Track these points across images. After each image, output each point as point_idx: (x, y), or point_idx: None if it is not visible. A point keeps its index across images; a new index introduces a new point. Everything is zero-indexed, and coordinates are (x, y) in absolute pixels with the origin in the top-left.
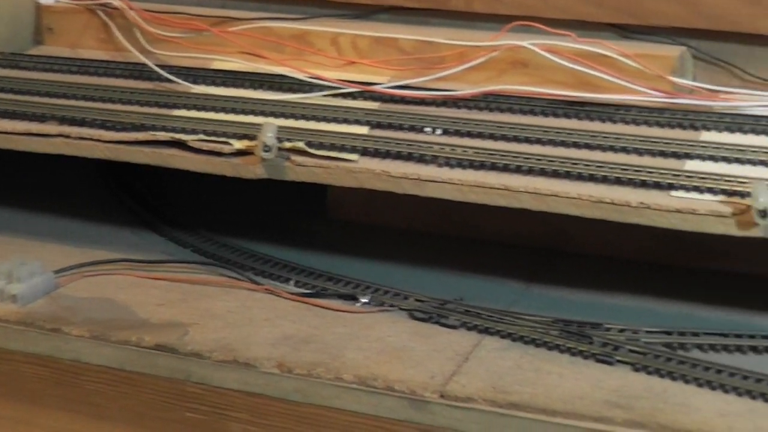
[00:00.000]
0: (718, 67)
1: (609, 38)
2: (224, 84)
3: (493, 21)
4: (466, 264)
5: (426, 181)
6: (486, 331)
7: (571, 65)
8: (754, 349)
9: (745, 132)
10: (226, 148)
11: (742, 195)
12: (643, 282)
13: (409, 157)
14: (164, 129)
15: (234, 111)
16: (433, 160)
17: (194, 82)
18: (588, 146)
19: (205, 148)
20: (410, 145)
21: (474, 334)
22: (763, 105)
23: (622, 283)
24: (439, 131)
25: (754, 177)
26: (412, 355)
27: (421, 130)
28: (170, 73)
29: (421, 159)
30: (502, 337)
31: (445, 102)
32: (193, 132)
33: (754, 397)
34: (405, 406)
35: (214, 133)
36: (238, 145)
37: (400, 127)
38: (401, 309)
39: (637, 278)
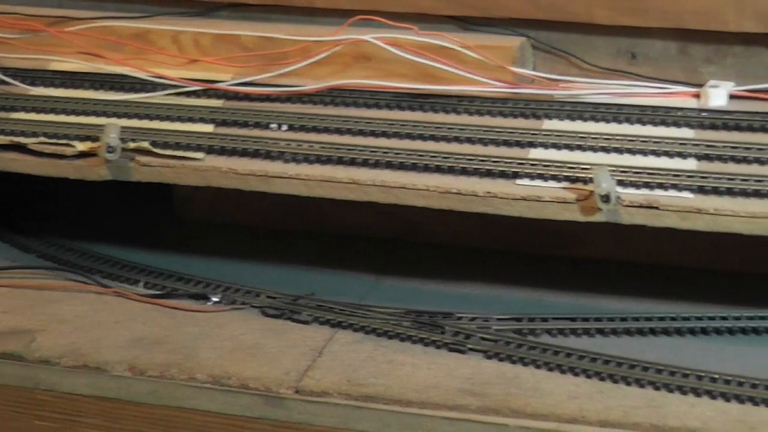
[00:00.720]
0: (557, 57)
1: (450, 30)
2: (63, 85)
3: (335, 16)
4: (317, 259)
5: (273, 177)
6: (339, 325)
7: (413, 58)
8: (601, 332)
9: (585, 119)
10: (68, 151)
11: (585, 181)
12: (493, 270)
13: (255, 154)
14: (3, 132)
15: (75, 112)
16: (280, 156)
17: (32, 84)
18: (433, 138)
19: (46, 151)
20: (256, 141)
21: (327, 329)
22: (601, 93)
23: (473, 272)
24: (284, 127)
25: (596, 163)
26: (266, 352)
27: (266, 127)
28: (6, 75)
29: (268, 155)
30: (355, 330)
31: (289, 98)
32: (33, 135)
33: (602, 379)
34: (260, 403)
35: (55, 136)
36: (80, 147)
37: (246, 124)
38: (253, 306)
39: (487, 267)
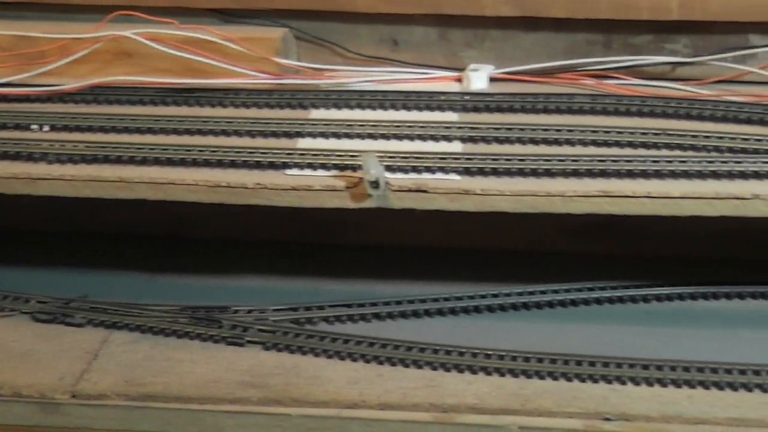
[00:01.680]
0: (320, 47)
1: (212, 24)
2: None
3: (93, 12)
4: (89, 260)
5: (37, 179)
6: (114, 325)
7: (175, 53)
8: (377, 316)
9: (351, 107)
10: None
11: (354, 168)
12: (269, 262)
13: (17, 156)
14: None
15: None
16: (43, 157)
17: None
18: (200, 132)
19: None
20: (17, 143)
21: (102, 330)
22: (365, 80)
23: (248, 265)
24: (46, 128)
25: (364, 150)
26: (39, 357)
27: (27, 128)
28: None
29: (30, 157)
30: (131, 330)
31: (50, 98)
32: None
33: (381, 362)
34: (35, 410)
35: None
36: None
37: (5, 126)
38: (23, 312)
39: (262, 258)
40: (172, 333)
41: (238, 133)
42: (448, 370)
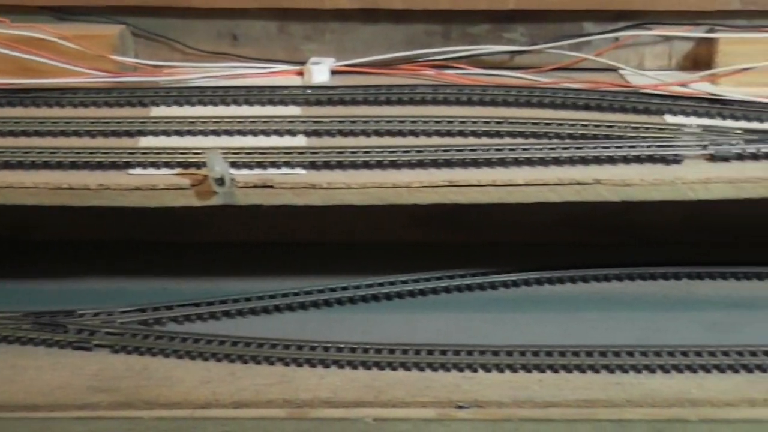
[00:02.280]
0: (158, 43)
1: (46, 22)
2: None
3: None
4: None
5: None
6: None
7: (9, 52)
8: (227, 314)
9: (192, 104)
10: None
11: (198, 166)
12: (115, 263)
13: None
14: None
15: None
16: None
17: None
18: (39, 133)
19: None
20: None
21: None
22: (206, 76)
23: (93, 266)
24: None
25: (207, 147)
26: None
27: None
28: None
29: None
30: None
31: None
32: None
33: (233, 360)
34: None
35: None
36: None
37: None
38: None
39: (108, 259)
40: (15, 340)
41: (77, 134)
42: (300, 365)
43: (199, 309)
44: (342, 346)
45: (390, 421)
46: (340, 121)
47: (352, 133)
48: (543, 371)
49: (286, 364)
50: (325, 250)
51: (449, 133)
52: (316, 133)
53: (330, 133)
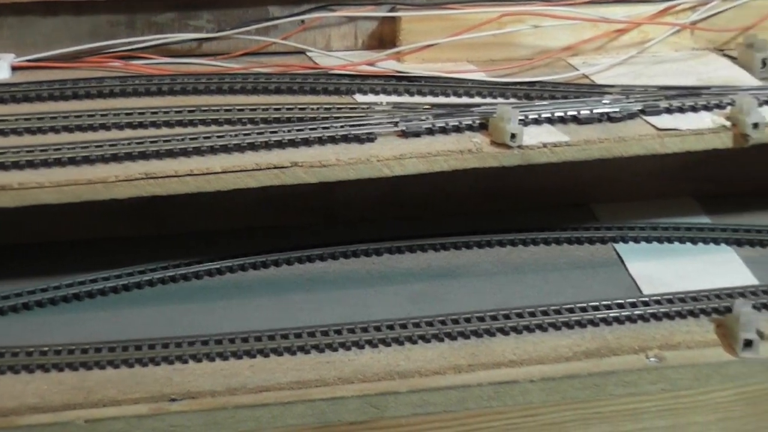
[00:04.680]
0: None
1: None
2: None
3: None
4: None
5: None
6: None
7: None
8: None
9: None
10: None
11: None
12: None
13: None
14: None
15: None
16: None
17: None
18: None
19: None
20: None
21: None
22: None
23: None
24: None
25: None
26: None
27: None
28: None
29: None
30: None
31: None
32: None
33: None
34: None
35: None
36: None
37: None
38: None
39: None
40: None
41: None
42: (3, 372)
43: None
44: (46, 349)
45: (102, 421)
46: (26, 119)
47: (41, 131)
48: (254, 356)
49: None
50: (21, 251)
51: (141, 125)
52: (2, 133)
53: (17, 132)
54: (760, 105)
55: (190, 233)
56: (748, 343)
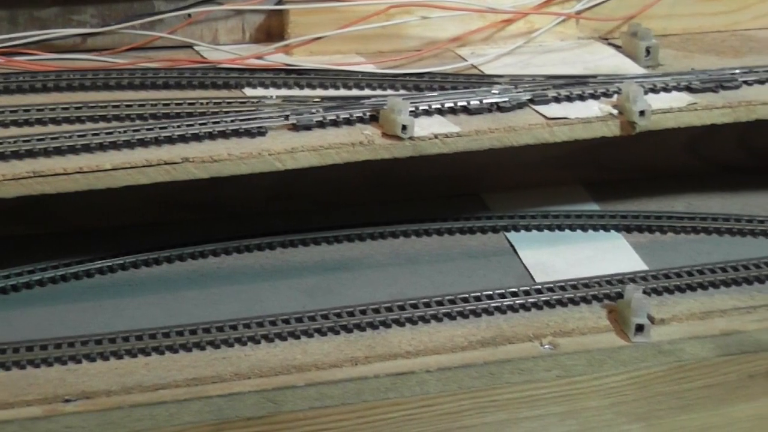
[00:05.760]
0: None
1: None
2: None
3: None
4: None
5: None
6: None
7: None
8: None
9: None
10: None
11: None
12: None
13: None
14: None
15: None
16: None
17: None
18: None
19: None
20: None
21: None
22: None
23: None
24: None
25: None
26: None
27: None
28: None
29: None
30: None
31: None
32: None
33: None
34: None
35: None
36: None
37: None
38: None
39: None
40: None
41: None
42: None
43: None
44: None
45: None
46: None
47: None
48: (149, 354)
49: None
50: None
51: (27, 123)
52: None
53: None
54: (646, 93)
55: (80, 231)
56: (640, 328)
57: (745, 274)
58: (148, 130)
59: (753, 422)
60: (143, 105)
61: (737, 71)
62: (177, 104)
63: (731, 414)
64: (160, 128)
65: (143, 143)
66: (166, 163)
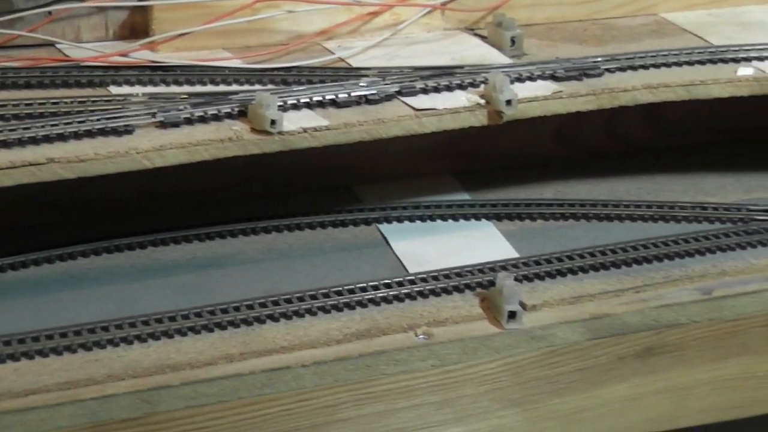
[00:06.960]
0: None
1: None
2: None
3: None
4: None
5: None
6: None
7: None
8: None
9: None
10: None
11: None
12: None
13: None
14: None
15: None
16: None
17: None
18: None
19: None
20: None
21: None
22: None
23: None
24: None
25: None
26: None
27: None
28: None
29: None
30: None
31: None
32: None
33: None
34: None
35: None
36: None
37: None
38: None
39: None
40: None
41: None
42: None
43: None
44: None
45: None
46: None
47: None
48: (18, 359)
49: None
50: None
51: None
52: None
53: None
54: (512, 82)
55: None
56: (512, 315)
57: (613, 258)
58: (11, 130)
59: (624, 403)
60: (5, 105)
61: (600, 59)
62: (40, 104)
63: (603, 396)
64: (24, 129)
65: (6, 144)
66: (30, 165)
